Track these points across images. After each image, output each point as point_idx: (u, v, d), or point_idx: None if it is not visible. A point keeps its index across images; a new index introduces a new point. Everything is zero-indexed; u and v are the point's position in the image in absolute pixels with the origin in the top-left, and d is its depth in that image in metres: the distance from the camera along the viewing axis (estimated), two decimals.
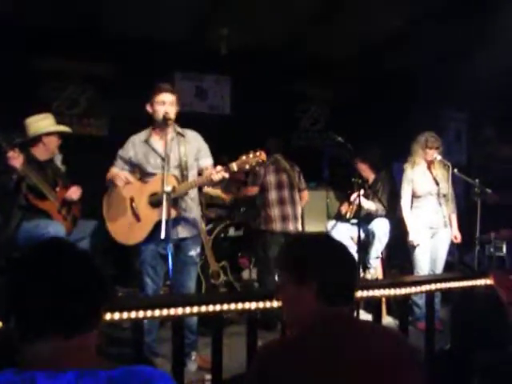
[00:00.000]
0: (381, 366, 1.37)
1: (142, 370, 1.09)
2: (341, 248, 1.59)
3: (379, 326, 1.64)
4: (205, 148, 3.47)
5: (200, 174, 3.40)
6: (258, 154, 3.07)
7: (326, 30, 5.72)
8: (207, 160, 3.43)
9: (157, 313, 1.93)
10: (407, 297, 2.65)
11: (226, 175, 3.09)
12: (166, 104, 3.26)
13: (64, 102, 5.82)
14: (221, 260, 4.66)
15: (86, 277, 1.11)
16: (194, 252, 3.43)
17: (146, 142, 3.38)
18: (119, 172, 3.38)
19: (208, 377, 2.98)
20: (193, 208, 3.42)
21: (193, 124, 5.77)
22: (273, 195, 4.80)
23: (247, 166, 3.08)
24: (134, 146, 3.40)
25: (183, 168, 3.31)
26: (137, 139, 3.42)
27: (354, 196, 4.64)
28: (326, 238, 1.70)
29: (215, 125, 6.32)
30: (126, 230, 3.36)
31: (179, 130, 3.42)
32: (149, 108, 3.33)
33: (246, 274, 5.23)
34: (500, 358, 2.51)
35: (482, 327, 2.51)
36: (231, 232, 5.01)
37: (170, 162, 3.20)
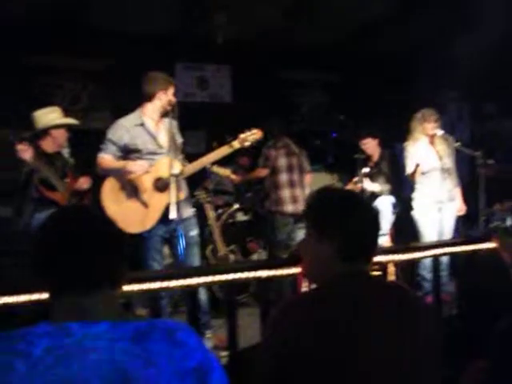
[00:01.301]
0: (400, 325, 1.39)
1: (166, 322, 1.16)
2: (365, 206, 1.56)
3: (396, 285, 1.64)
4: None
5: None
6: (254, 131, 3.41)
7: (322, 15, 5.75)
8: (180, 139, 3.56)
9: (172, 284, 2.00)
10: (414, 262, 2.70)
11: (230, 150, 3.37)
12: (173, 95, 3.42)
13: (66, 98, 5.90)
14: (230, 245, 4.73)
15: (108, 236, 1.18)
16: (194, 232, 3.51)
17: (142, 125, 3.41)
18: (136, 161, 3.34)
19: (224, 353, 3.05)
20: (186, 188, 3.52)
21: (195, 113, 5.86)
22: (283, 177, 4.89)
23: (247, 143, 3.39)
24: (128, 131, 3.38)
25: (178, 151, 3.38)
26: (128, 123, 3.41)
27: (356, 178, 4.71)
28: (350, 196, 1.61)
29: (216, 113, 6.41)
30: (133, 218, 3.35)
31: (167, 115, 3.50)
32: (162, 95, 3.39)
33: (255, 258, 5.30)
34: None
35: (487, 289, 2.57)
36: (239, 217, 5.08)
37: (169, 146, 3.30)
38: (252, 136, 3.41)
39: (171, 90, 3.42)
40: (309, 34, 6.25)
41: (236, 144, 3.38)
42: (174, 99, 3.40)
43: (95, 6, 5.27)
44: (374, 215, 1.55)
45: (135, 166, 3.31)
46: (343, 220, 1.48)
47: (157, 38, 5.86)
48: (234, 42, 5.82)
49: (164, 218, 3.25)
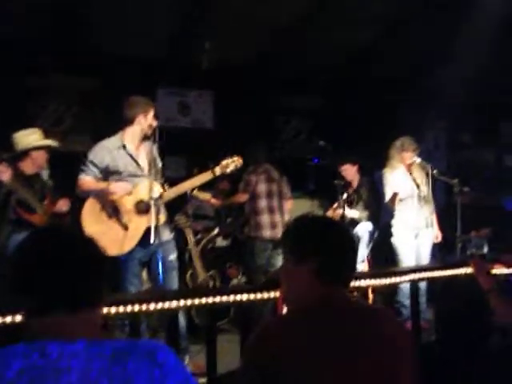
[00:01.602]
0: (380, 347, 1.40)
1: (145, 343, 1.16)
2: (342, 230, 1.59)
3: (376, 308, 1.67)
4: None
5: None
6: (235, 158, 3.51)
7: (301, 43, 5.87)
8: (160, 163, 3.57)
9: (152, 306, 1.99)
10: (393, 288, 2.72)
11: (211, 176, 3.44)
12: (154, 120, 3.45)
13: (48, 119, 5.88)
14: (209, 270, 4.70)
15: (88, 255, 1.18)
16: (173, 256, 3.51)
17: (124, 148, 3.44)
18: (118, 183, 3.36)
19: (202, 380, 3.01)
20: (165, 212, 3.52)
21: (176, 139, 5.87)
22: (263, 203, 4.90)
23: (228, 170, 3.47)
24: (110, 153, 3.41)
25: (158, 175, 3.41)
26: (110, 145, 3.44)
27: (336, 204, 4.76)
28: (327, 221, 1.67)
29: (198, 139, 6.43)
30: (112, 240, 3.29)
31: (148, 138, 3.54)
32: (142, 118, 3.43)
33: (235, 284, 5.27)
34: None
35: (463, 314, 2.60)
36: (219, 242, 5.07)
37: (149, 170, 3.37)
38: (233, 163, 3.49)
39: (151, 114, 3.46)
40: (295, 59, 6.35)
41: (217, 170, 3.45)
42: (154, 123, 3.44)
43: (82, 28, 5.30)
44: (352, 241, 1.59)
45: (118, 188, 3.33)
46: (320, 244, 1.50)
47: (142, 62, 5.90)
48: (218, 68, 5.89)
49: (143, 241, 3.26)
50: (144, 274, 3.84)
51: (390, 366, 1.40)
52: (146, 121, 3.43)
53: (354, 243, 1.60)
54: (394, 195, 4.55)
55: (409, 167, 4.64)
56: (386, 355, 1.40)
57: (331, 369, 1.34)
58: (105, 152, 3.41)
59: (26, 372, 1.01)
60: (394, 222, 4.66)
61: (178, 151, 6.18)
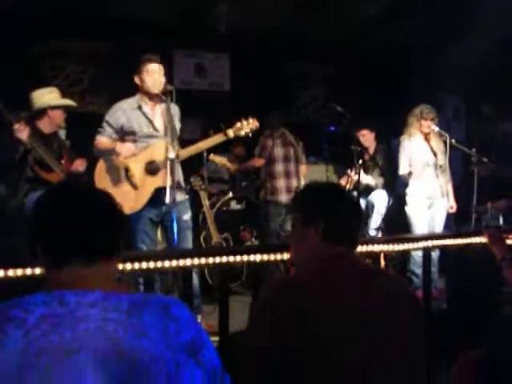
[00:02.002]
0: (380, 309, 1.41)
1: (160, 297, 1.18)
2: (349, 196, 1.72)
3: (381, 270, 1.71)
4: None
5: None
6: (250, 121, 3.41)
7: (323, 10, 5.75)
8: (178, 124, 3.55)
9: (167, 264, 2.02)
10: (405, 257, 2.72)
11: (224, 138, 3.36)
12: (154, 73, 3.35)
13: (65, 80, 5.88)
14: (223, 233, 4.75)
15: (104, 209, 1.19)
16: (187, 216, 3.51)
17: (139, 109, 3.42)
18: (124, 143, 3.37)
19: (214, 338, 3.07)
20: (181, 173, 3.52)
21: (193, 101, 5.83)
22: (279, 167, 4.90)
23: (242, 132, 3.38)
24: (124, 113, 3.40)
25: (174, 137, 3.35)
26: (126, 106, 3.43)
27: (351, 169, 4.73)
28: (335, 186, 1.85)
29: (215, 102, 6.40)
30: (123, 199, 3.32)
31: (165, 99, 3.42)
32: (137, 80, 3.40)
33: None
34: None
35: (477, 284, 2.60)
36: (233, 205, 5.10)
37: (164, 131, 3.36)
38: (248, 126, 3.41)
39: (148, 69, 3.35)
40: (311, 28, 6.24)
41: (230, 133, 3.39)
42: (153, 79, 3.33)
43: None
44: (357, 206, 1.72)
45: (122, 148, 3.32)
46: (328, 205, 1.58)
47: (157, 25, 5.83)
48: (235, 32, 5.80)
49: (153, 200, 3.31)
50: (159, 234, 3.89)
51: (399, 322, 1.43)
52: (141, 80, 3.36)
53: (359, 208, 1.73)
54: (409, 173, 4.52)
55: (426, 136, 4.58)
56: (386, 319, 1.42)
57: (338, 328, 1.36)
58: (120, 112, 3.41)
59: (46, 319, 1.04)
60: (408, 190, 4.62)
61: (194, 113, 6.16)
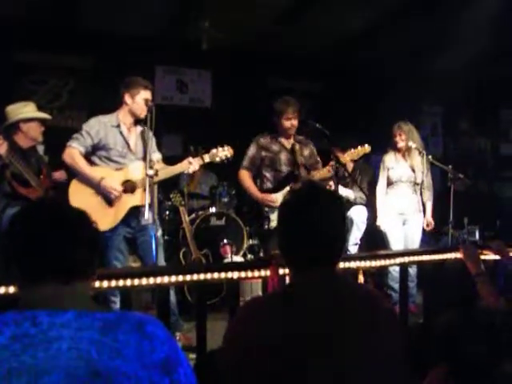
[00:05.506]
0: (355, 328, 1.38)
1: (135, 315, 1.17)
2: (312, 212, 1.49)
3: (358, 287, 1.67)
4: (155, 142, 3.63)
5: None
6: (226, 148, 3.55)
7: (300, 25, 5.82)
8: (157, 154, 3.61)
9: (144, 281, 2.01)
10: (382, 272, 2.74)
11: (198, 166, 3.47)
12: (148, 102, 3.42)
13: (46, 95, 5.85)
14: (203, 249, 4.73)
15: (78, 228, 1.20)
16: (159, 233, 3.53)
17: (118, 127, 3.46)
18: (109, 184, 3.31)
19: (192, 355, 3.06)
20: (155, 193, 3.52)
21: (174, 116, 5.83)
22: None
23: (217, 159, 3.52)
24: (104, 128, 3.42)
25: (148, 159, 3.32)
26: (106, 120, 3.45)
27: (330, 183, 4.75)
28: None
29: (196, 118, 6.42)
30: (98, 216, 3.30)
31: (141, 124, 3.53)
32: (128, 98, 3.44)
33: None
34: None
35: (453, 297, 2.64)
36: (213, 221, 5.08)
37: (137, 153, 3.47)
38: (223, 153, 3.53)
39: (141, 95, 3.43)
40: (293, 44, 6.31)
41: (206, 158, 3.50)
42: (143, 105, 3.40)
43: (82, 6, 5.26)
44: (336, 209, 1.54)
45: (107, 188, 3.30)
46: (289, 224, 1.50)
47: (140, 40, 5.85)
48: (217, 49, 5.84)
49: (128, 218, 3.38)
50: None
51: (376, 347, 1.38)
52: (132, 101, 3.43)
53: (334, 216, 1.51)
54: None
55: (406, 152, 4.64)
56: (363, 337, 1.38)
57: (311, 352, 1.33)
58: (101, 126, 3.43)
59: (17, 339, 1.04)
60: (380, 206, 4.67)
61: (175, 129, 6.18)
